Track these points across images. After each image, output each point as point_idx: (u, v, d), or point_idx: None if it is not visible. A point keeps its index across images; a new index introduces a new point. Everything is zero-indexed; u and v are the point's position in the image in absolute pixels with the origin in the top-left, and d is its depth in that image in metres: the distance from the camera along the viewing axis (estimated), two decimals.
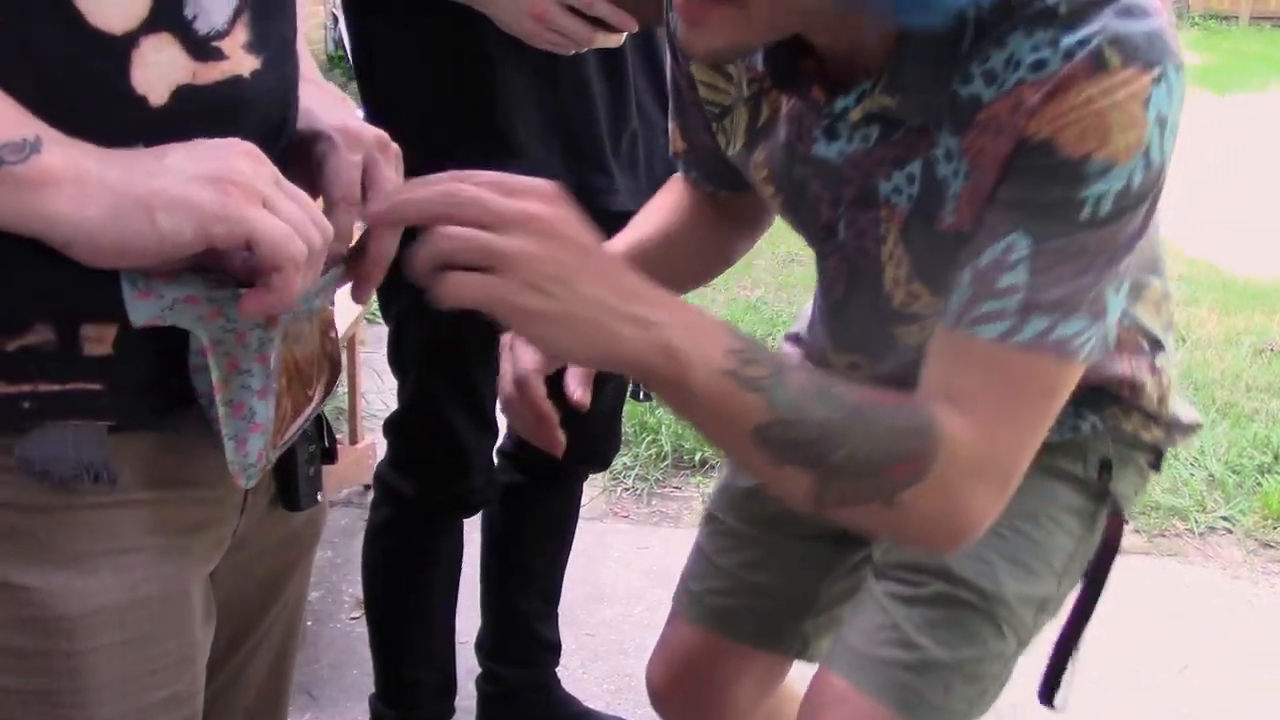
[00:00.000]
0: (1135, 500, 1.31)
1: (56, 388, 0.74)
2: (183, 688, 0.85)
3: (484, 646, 2.02)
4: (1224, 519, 2.99)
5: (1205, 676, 2.37)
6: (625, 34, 1.46)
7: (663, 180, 1.34)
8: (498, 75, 1.49)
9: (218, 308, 0.75)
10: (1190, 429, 1.27)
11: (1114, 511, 1.25)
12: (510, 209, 0.77)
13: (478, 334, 1.55)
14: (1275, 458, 3.24)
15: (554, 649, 2.05)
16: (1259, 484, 3.12)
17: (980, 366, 0.90)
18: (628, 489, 3.05)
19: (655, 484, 3.09)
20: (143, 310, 0.73)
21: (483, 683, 2.02)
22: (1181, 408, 1.26)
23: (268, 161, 0.74)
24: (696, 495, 3.03)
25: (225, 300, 0.74)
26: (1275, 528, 2.95)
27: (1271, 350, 4.08)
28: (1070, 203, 0.86)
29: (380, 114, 1.55)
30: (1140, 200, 0.88)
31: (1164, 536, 2.92)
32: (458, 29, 1.47)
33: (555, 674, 2.08)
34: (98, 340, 0.74)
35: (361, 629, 2.02)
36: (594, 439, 1.84)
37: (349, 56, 1.62)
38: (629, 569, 2.68)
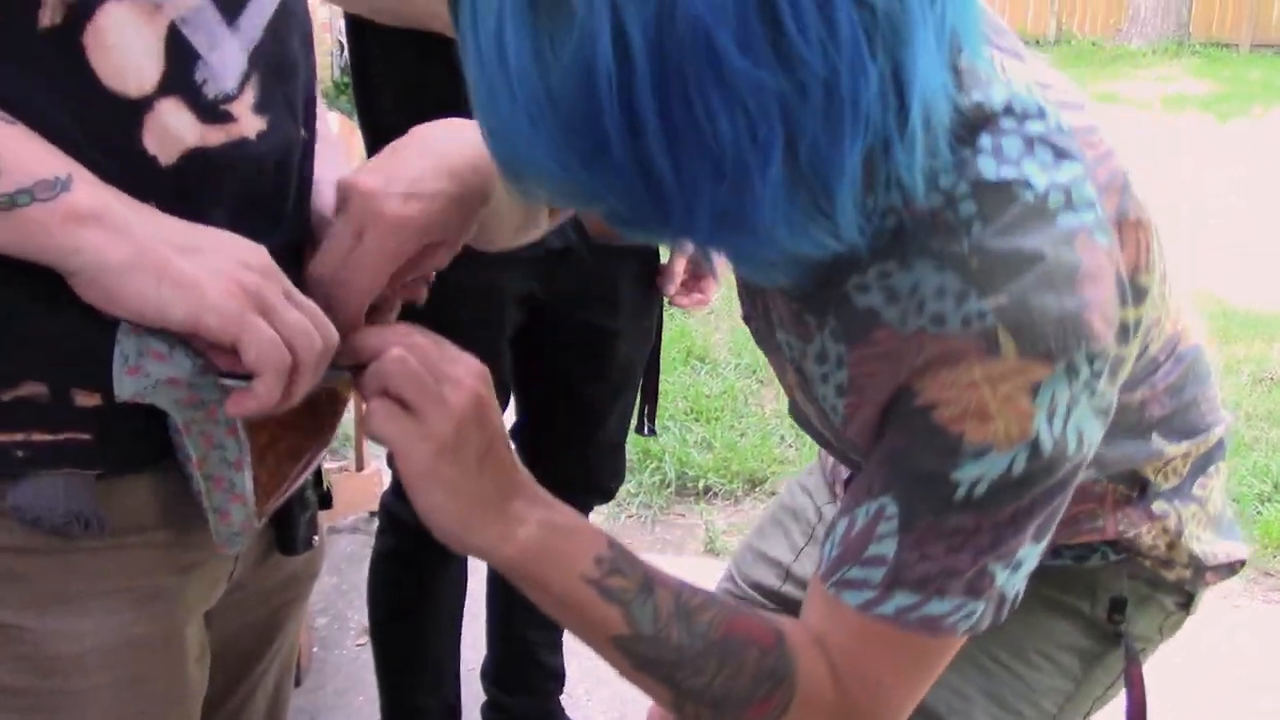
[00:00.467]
0: (1159, 643, 1.16)
1: (48, 437, 0.75)
2: None
3: (490, 675, 2.04)
4: None
5: (1207, 703, 2.38)
6: None
7: None
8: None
9: (196, 393, 0.77)
10: (1228, 568, 1.12)
11: (1130, 656, 1.12)
12: (451, 371, 0.83)
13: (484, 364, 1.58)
14: (1275, 486, 3.26)
15: (559, 677, 2.07)
16: (1259, 513, 3.14)
17: (847, 628, 0.87)
18: (631, 516, 3.07)
19: (659, 511, 3.11)
20: (128, 386, 0.75)
21: (488, 710, 2.04)
22: (1212, 545, 1.10)
23: (280, 274, 0.77)
24: (700, 523, 3.05)
25: (204, 387, 0.76)
26: (1276, 556, 2.97)
27: (1271, 379, 4.10)
28: (943, 480, 0.80)
29: (377, 138, 1.58)
30: (1025, 486, 0.81)
31: None
32: (448, 55, 1.49)
33: (559, 702, 2.09)
34: (88, 394, 0.76)
35: (367, 655, 2.04)
36: (598, 471, 1.86)
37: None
38: None
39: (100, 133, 0.73)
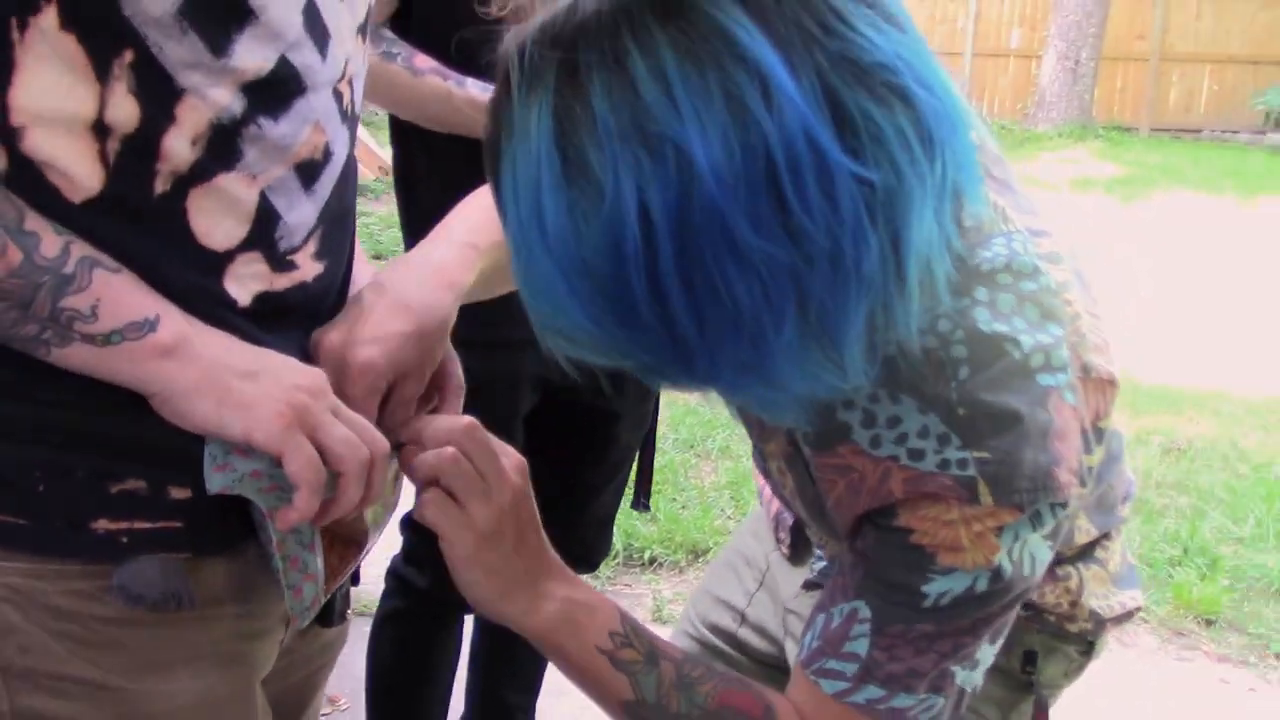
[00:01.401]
0: (1064, 686, 1.25)
1: (147, 525, 0.88)
2: None
3: None
4: (1139, 609, 3.18)
5: None
6: None
7: None
8: None
9: (275, 483, 0.89)
10: (1124, 617, 1.21)
11: (1039, 705, 1.21)
12: (495, 466, 0.96)
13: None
14: (1185, 551, 3.43)
15: None
16: (1170, 576, 3.31)
17: (825, 710, 0.99)
18: None
19: (608, 581, 3.22)
20: (217, 480, 0.88)
21: None
22: (1110, 599, 1.19)
23: (329, 394, 0.90)
24: (648, 591, 3.17)
25: (281, 477, 0.88)
26: (1186, 617, 3.14)
27: (1179, 449, 4.31)
28: (913, 590, 0.90)
29: (415, 234, 1.71)
30: (985, 602, 0.91)
31: None
32: (481, 161, 1.62)
33: None
34: (180, 488, 0.88)
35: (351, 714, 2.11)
36: (586, 544, 1.98)
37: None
38: None
39: (190, 279, 0.86)
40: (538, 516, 1.01)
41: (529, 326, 1.88)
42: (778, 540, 1.36)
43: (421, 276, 1.01)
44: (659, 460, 3.97)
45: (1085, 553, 1.16)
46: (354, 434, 0.88)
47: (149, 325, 0.82)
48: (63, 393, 0.83)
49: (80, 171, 0.81)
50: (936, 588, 0.90)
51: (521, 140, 0.75)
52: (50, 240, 0.79)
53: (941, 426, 0.88)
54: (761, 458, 1.14)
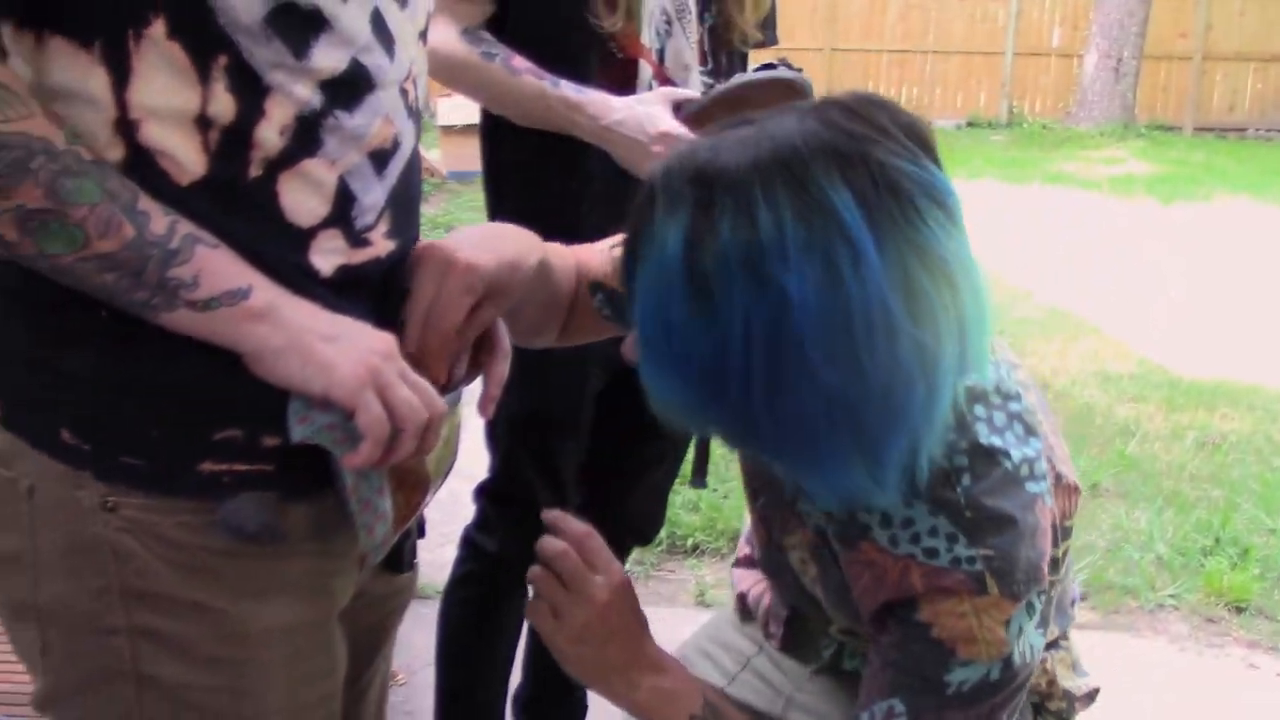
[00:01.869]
0: None
1: (245, 468, 1.01)
2: (327, 692, 1.12)
3: (521, 701, 2.25)
4: (1171, 597, 3.24)
5: None
6: None
7: None
8: (595, 202, 1.77)
9: (347, 434, 1.01)
10: (1088, 697, 1.38)
11: None
12: (587, 583, 1.18)
13: (559, 414, 1.82)
14: (1217, 541, 3.49)
15: (584, 710, 2.29)
16: (1202, 565, 3.37)
17: None
18: (628, 573, 3.27)
19: (651, 568, 3.32)
20: (298, 431, 1.00)
21: None
22: (1075, 682, 1.37)
23: (399, 359, 1.02)
24: (691, 578, 3.27)
25: (352, 429, 1.00)
26: (1218, 604, 3.20)
27: (1213, 443, 4.35)
28: (938, 681, 1.05)
29: (501, 219, 1.84)
30: (1000, 689, 1.06)
31: (1117, 613, 3.18)
32: (566, 156, 1.74)
33: None
34: (271, 436, 1.01)
35: (398, 698, 2.23)
36: (641, 516, 2.10)
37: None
38: None
39: (280, 252, 0.99)
40: (633, 618, 1.20)
41: None
42: (768, 634, 1.47)
43: (518, 234, 1.19)
44: None
45: (1052, 645, 1.34)
46: (416, 397, 1.01)
47: (243, 293, 0.95)
48: (171, 353, 0.96)
49: (187, 158, 0.94)
50: (957, 677, 1.05)
51: (658, 249, 0.93)
52: (159, 219, 0.92)
53: (950, 527, 1.04)
54: (776, 552, 1.26)
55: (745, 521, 1.48)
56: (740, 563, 1.57)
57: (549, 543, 1.21)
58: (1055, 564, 1.09)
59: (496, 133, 1.84)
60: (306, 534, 1.06)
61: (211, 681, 1.02)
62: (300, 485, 1.03)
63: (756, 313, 0.89)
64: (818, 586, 1.21)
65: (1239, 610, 3.18)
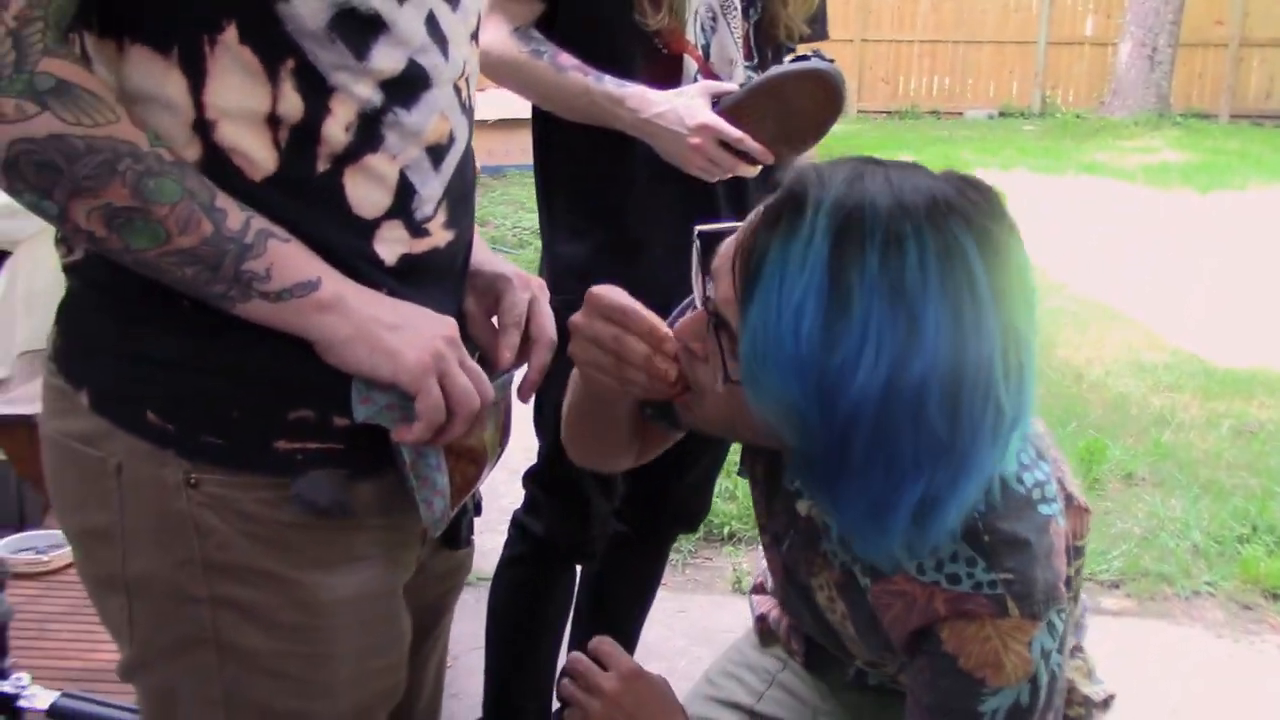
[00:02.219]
0: None
1: (316, 446, 1.07)
2: (395, 659, 1.17)
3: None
4: (1208, 584, 3.26)
5: (1192, 719, 2.64)
6: (760, 166, 1.76)
7: None
8: (641, 193, 1.81)
9: (405, 414, 1.06)
10: (1105, 703, 1.41)
11: None
12: (599, 683, 1.27)
13: None
14: (1253, 529, 3.50)
15: None
16: (1239, 552, 3.38)
17: None
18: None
19: (688, 555, 3.37)
20: (361, 411, 1.06)
21: (560, 717, 2.29)
22: (1093, 689, 1.41)
23: (460, 346, 1.07)
24: (728, 565, 3.32)
25: (410, 409, 1.06)
26: (1254, 591, 3.21)
27: (1249, 431, 4.36)
28: (974, 713, 1.09)
29: (551, 213, 1.90)
30: (1032, 712, 1.09)
31: (1153, 600, 3.19)
32: (612, 148, 1.79)
33: None
34: (341, 417, 1.07)
35: (452, 674, 2.28)
36: (687, 504, 2.14)
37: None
38: (671, 630, 2.96)
39: (347, 242, 1.05)
40: (652, 703, 1.27)
41: (646, 297, 2.08)
42: (791, 651, 1.53)
43: None
44: (735, 444, 4.10)
45: (1072, 653, 1.38)
46: (471, 385, 1.06)
47: (312, 285, 1.00)
48: (248, 340, 1.01)
49: (259, 155, 1.00)
50: (990, 705, 1.08)
51: (797, 262, 0.96)
52: (235, 215, 0.97)
53: (969, 552, 1.08)
54: (800, 592, 1.30)
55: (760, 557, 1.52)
56: (758, 589, 1.61)
57: (570, 658, 1.31)
58: (1069, 583, 1.13)
59: (546, 127, 1.89)
60: (374, 509, 1.11)
61: (287, 648, 1.08)
62: (367, 463, 1.09)
63: (888, 340, 0.93)
64: (847, 623, 1.24)
65: (1275, 597, 3.20)
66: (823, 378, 0.95)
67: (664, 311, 1.81)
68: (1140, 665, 2.85)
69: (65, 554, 2.14)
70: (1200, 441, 4.25)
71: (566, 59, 1.75)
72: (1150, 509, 3.67)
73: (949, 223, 0.96)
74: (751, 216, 1.06)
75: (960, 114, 14.87)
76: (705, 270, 1.12)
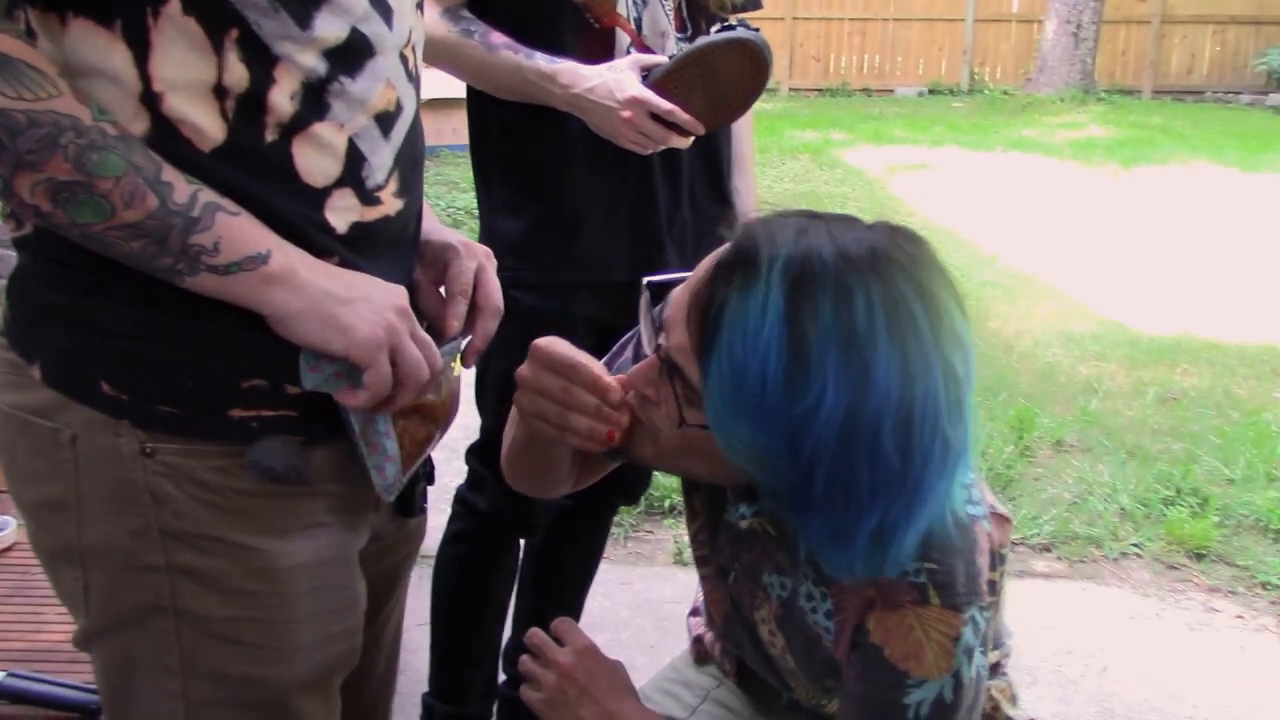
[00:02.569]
0: None
1: (270, 413, 1.08)
2: (351, 625, 1.19)
3: (510, 656, 2.31)
4: (1135, 545, 3.36)
5: (1123, 676, 2.73)
6: (693, 137, 1.78)
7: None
8: (577, 169, 1.82)
9: (354, 382, 1.08)
10: None
11: None
12: (554, 657, 1.31)
13: None
14: (1177, 491, 3.60)
15: None
16: (1164, 515, 3.49)
17: None
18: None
19: (630, 529, 3.40)
20: (310, 379, 1.08)
21: (505, 689, 2.31)
22: (1016, 711, 1.48)
23: (412, 317, 1.09)
24: (669, 537, 3.35)
25: (357, 378, 1.08)
26: (1179, 552, 3.32)
27: (1173, 398, 4.48)
28: (900, 705, 1.14)
29: (488, 191, 1.90)
30: (956, 709, 1.14)
31: (1083, 562, 3.28)
32: (547, 124, 1.80)
33: None
34: (293, 386, 1.08)
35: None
36: (629, 476, 2.16)
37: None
38: (615, 602, 2.99)
39: (298, 210, 1.06)
40: (602, 679, 1.31)
41: (583, 271, 2.08)
42: (725, 671, 1.58)
43: None
44: None
45: (994, 671, 1.44)
46: (421, 356, 1.08)
47: (261, 259, 1.01)
48: (201, 310, 1.02)
49: (208, 126, 1.00)
50: (915, 698, 1.14)
51: (757, 315, 1.01)
52: (182, 189, 0.98)
53: (909, 556, 1.11)
54: (744, 626, 1.35)
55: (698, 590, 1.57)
56: (696, 612, 1.65)
57: (528, 634, 1.35)
58: (993, 586, 1.18)
59: (480, 106, 1.89)
60: (328, 475, 1.13)
61: (244, 614, 1.09)
62: (322, 430, 1.11)
63: (844, 387, 0.99)
64: (787, 655, 1.30)
65: (1199, 557, 3.30)
66: (788, 423, 1.01)
67: (606, 291, 1.83)
68: (1072, 625, 2.94)
69: (8, 536, 2.12)
70: (1126, 409, 4.36)
71: (497, 37, 1.76)
72: (1079, 474, 3.77)
73: (890, 272, 1.02)
74: (701, 270, 1.10)
75: (891, 91, 14.99)
76: (655, 320, 1.17)
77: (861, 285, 1.01)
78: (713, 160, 1.95)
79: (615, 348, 1.40)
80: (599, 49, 1.78)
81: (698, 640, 1.62)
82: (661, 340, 1.14)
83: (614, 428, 1.19)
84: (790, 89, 14.71)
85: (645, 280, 1.19)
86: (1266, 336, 5.32)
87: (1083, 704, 2.62)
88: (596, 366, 1.19)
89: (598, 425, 1.18)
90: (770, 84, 1.84)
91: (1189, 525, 3.38)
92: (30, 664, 1.74)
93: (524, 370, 1.20)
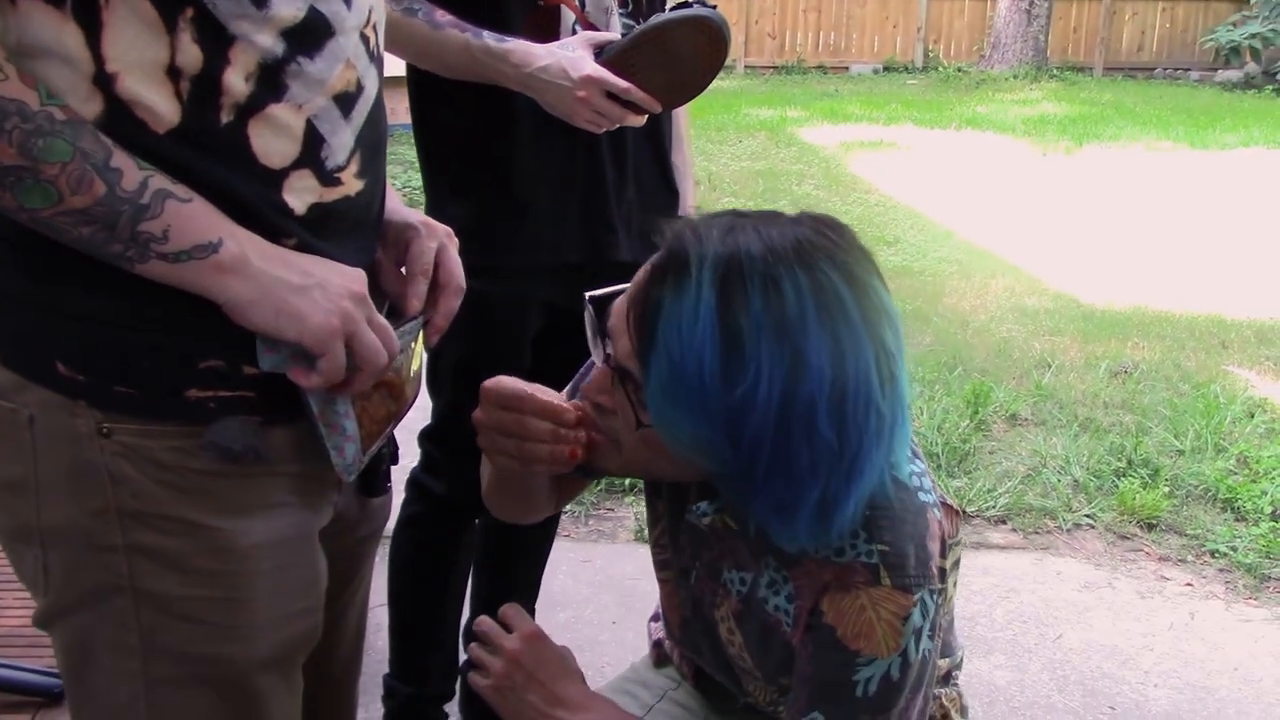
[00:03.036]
0: None
1: (228, 394, 1.08)
2: (312, 603, 1.19)
3: (471, 633, 2.32)
4: (1088, 517, 3.41)
5: (1076, 643, 2.78)
6: (646, 115, 1.76)
7: (650, 238, 1.68)
8: (524, 150, 1.80)
9: (311, 363, 1.08)
10: None
11: None
12: (502, 643, 1.33)
13: (501, 355, 1.87)
14: (1129, 463, 3.66)
15: None
16: (1116, 486, 3.54)
17: None
18: (567, 512, 3.35)
19: (591, 507, 3.41)
20: (268, 360, 1.07)
21: (467, 667, 2.32)
22: None
23: (368, 302, 1.09)
24: (629, 515, 3.37)
25: (314, 360, 1.07)
26: (1130, 522, 3.37)
27: (1125, 371, 4.54)
28: (848, 682, 1.16)
29: (434, 174, 1.88)
30: (902, 688, 1.16)
31: (1037, 533, 3.33)
32: (492, 104, 1.77)
33: None
34: (250, 366, 1.08)
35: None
36: None
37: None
38: (577, 580, 3.01)
39: (255, 192, 1.05)
40: (551, 664, 1.33)
41: (535, 255, 2.07)
42: (683, 674, 1.60)
43: None
44: None
45: (945, 681, 1.48)
46: (378, 341, 1.09)
47: (212, 247, 1.01)
48: (156, 290, 1.01)
49: (162, 108, 0.99)
50: (863, 674, 1.16)
51: (690, 311, 1.05)
52: (131, 175, 0.97)
53: (852, 524, 1.16)
54: (703, 626, 1.37)
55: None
56: (657, 617, 1.66)
57: (476, 621, 1.37)
58: (943, 574, 1.20)
59: (423, 87, 1.86)
60: (288, 455, 1.13)
61: (204, 593, 1.09)
62: (280, 410, 1.10)
63: (778, 373, 1.03)
64: (745, 654, 1.31)
65: (1150, 527, 3.36)
66: (727, 412, 1.05)
67: (557, 273, 1.82)
68: (1027, 595, 2.98)
69: None
70: (1079, 382, 4.42)
71: (442, 15, 1.73)
72: (1033, 447, 3.82)
73: (816, 260, 1.07)
74: (638, 277, 1.14)
75: (846, 69, 15.03)
76: (601, 331, 1.19)
77: (789, 275, 1.05)
78: (656, 139, 1.94)
79: (580, 372, 1.42)
80: (544, 27, 1.75)
81: (658, 644, 1.64)
82: (609, 349, 1.17)
83: (574, 445, 1.22)
84: (746, 66, 14.72)
85: (586, 295, 1.22)
86: (1214, 308, 5.41)
87: (1038, 671, 2.66)
88: (545, 393, 1.22)
89: (558, 448, 1.22)
90: (726, 61, 1.83)
91: (1140, 496, 3.43)
92: None
93: (478, 413, 1.24)
